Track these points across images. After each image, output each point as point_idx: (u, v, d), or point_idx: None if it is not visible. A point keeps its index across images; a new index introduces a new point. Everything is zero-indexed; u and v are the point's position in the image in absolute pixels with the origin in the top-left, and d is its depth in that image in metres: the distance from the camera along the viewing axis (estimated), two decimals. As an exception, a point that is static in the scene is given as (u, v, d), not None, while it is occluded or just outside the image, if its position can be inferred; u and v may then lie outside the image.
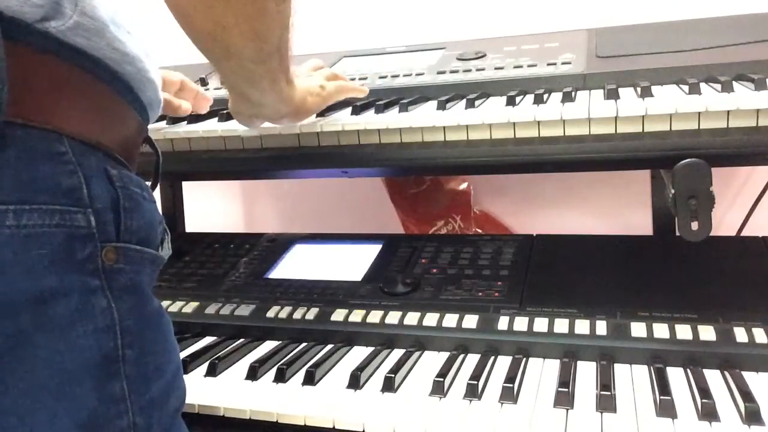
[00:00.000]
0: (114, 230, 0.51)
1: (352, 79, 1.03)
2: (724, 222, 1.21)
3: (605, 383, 0.71)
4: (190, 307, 1.00)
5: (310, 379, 0.79)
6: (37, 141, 0.48)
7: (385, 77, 1.04)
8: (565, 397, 0.70)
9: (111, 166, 0.53)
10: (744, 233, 1.16)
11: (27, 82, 0.47)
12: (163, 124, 0.98)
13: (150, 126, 0.65)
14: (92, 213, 0.50)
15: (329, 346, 0.88)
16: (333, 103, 0.88)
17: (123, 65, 0.55)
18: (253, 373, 0.81)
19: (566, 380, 0.73)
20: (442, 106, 0.84)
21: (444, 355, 0.83)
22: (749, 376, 0.72)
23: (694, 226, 0.71)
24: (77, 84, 0.51)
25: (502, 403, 0.71)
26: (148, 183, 0.60)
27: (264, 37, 0.64)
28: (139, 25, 0.57)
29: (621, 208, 1.31)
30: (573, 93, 0.83)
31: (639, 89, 0.78)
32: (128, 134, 0.58)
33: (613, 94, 0.78)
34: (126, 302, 0.52)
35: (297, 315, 0.94)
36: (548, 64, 0.97)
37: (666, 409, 0.67)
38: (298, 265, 1.10)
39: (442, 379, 0.75)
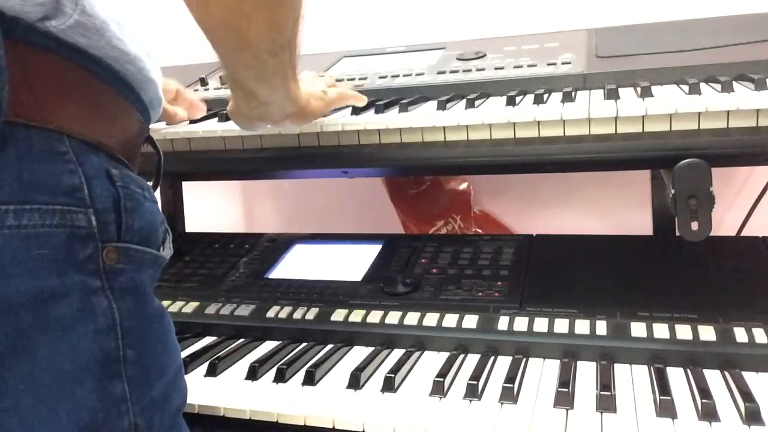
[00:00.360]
0: (115, 230, 0.51)
1: (352, 80, 1.03)
2: (724, 222, 1.21)
3: (605, 383, 0.71)
4: (190, 307, 1.00)
5: (310, 379, 0.79)
6: (37, 141, 0.47)
7: (385, 77, 1.04)
8: (565, 397, 0.70)
9: (112, 165, 0.53)
10: (744, 233, 1.16)
11: (28, 82, 0.47)
12: (163, 124, 0.98)
13: (150, 126, 0.65)
14: (93, 213, 0.50)
15: (329, 346, 0.88)
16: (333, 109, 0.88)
17: (124, 64, 0.54)
18: (253, 373, 0.81)
19: (566, 380, 0.73)
20: (442, 106, 0.84)
21: (444, 355, 0.83)
22: (749, 376, 0.72)
23: (694, 226, 0.71)
24: (78, 83, 0.51)
25: (502, 403, 0.71)
26: (150, 183, 0.60)
27: (279, 26, 0.63)
28: (140, 24, 0.57)
29: (621, 208, 1.31)
30: (573, 93, 0.83)
31: (639, 89, 0.78)
32: (129, 134, 0.58)
33: (613, 94, 0.78)
34: (127, 302, 0.52)
35: (297, 315, 0.94)
36: (548, 64, 0.97)
37: (666, 409, 0.67)
38: (298, 265, 1.10)
39: (442, 379, 0.75)
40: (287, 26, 0.64)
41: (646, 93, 0.76)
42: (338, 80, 1.02)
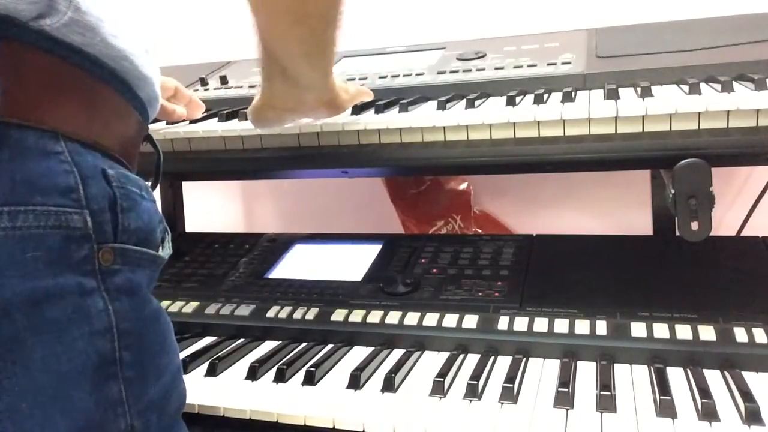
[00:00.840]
0: (111, 231, 0.51)
1: (352, 80, 1.03)
2: (724, 222, 1.21)
3: (605, 383, 0.71)
4: (190, 307, 1.00)
5: (310, 379, 0.79)
6: (32, 141, 0.47)
7: (385, 77, 1.04)
8: (565, 397, 0.70)
9: (108, 165, 0.53)
10: (744, 233, 1.16)
11: (22, 82, 0.47)
12: (162, 124, 0.98)
13: (150, 126, 0.64)
14: (88, 214, 0.49)
15: (329, 346, 0.88)
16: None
17: (120, 62, 0.54)
18: (253, 373, 0.81)
19: (566, 380, 0.73)
20: (442, 106, 0.84)
21: (444, 355, 0.83)
22: (749, 376, 0.72)
23: (694, 226, 0.71)
24: (74, 82, 0.51)
25: (502, 403, 0.71)
26: (149, 183, 0.60)
27: None
28: (137, 21, 0.57)
29: (621, 208, 1.31)
30: (573, 93, 0.83)
31: (639, 89, 0.78)
32: (127, 133, 0.57)
33: (613, 94, 0.78)
34: (123, 303, 0.52)
35: (297, 315, 0.94)
36: (548, 64, 0.97)
37: (666, 409, 0.67)
38: (298, 265, 1.10)
39: (442, 379, 0.75)
40: None
41: (646, 93, 0.76)
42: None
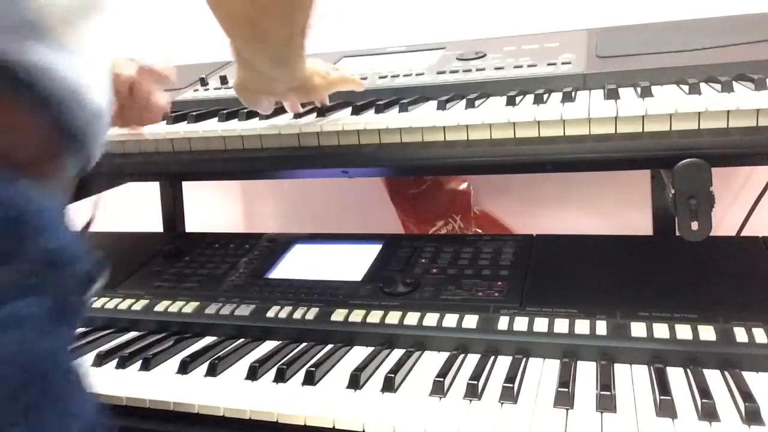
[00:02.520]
0: None
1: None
2: (724, 222, 1.21)
3: (605, 383, 0.71)
4: (190, 307, 1.00)
5: (310, 379, 0.79)
6: None
7: (385, 77, 1.04)
8: (565, 397, 0.70)
9: None
10: (744, 233, 1.16)
11: None
12: (163, 124, 0.98)
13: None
14: None
15: (329, 346, 0.88)
16: (334, 91, 0.90)
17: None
18: (253, 373, 0.81)
19: (566, 380, 0.73)
20: (442, 106, 0.84)
21: (444, 355, 0.83)
22: (749, 376, 0.72)
23: (694, 226, 0.71)
24: None
25: (502, 403, 0.71)
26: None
27: (294, 20, 0.65)
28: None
29: (621, 208, 1.31)
30: (573, 93, 0.83)
31: (639, 89, 0.78)
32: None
33: (613, 94, 0.78)
34: None
35: (297, 315, 0.94)
36: (548, 64, 0.97)
37: (666, 409, 0.67)
38: (298, 265, 1.10)
39: (442, 379, 0.75)
40: (302, 18, 0.66)
41: (646, 93, 0.76)
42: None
